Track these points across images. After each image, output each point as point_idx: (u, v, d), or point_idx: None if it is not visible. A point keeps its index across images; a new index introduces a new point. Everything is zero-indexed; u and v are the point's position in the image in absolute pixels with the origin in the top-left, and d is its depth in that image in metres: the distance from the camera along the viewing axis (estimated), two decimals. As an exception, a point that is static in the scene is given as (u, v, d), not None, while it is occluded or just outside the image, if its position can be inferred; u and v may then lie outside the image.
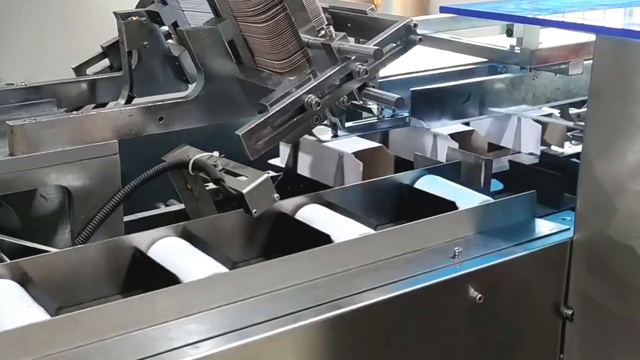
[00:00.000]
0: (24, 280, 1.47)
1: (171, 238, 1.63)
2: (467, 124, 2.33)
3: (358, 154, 2.09)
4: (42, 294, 1.44)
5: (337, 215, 1.77)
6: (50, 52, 3.89)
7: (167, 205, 2.20)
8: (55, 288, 1.51)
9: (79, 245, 1.66)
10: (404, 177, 1.95)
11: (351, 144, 2.13)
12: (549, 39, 2.23)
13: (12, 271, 1.48)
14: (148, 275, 1.56)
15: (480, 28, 2.69)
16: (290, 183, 2.21)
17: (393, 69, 2.17)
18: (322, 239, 1.66)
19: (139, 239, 1.61)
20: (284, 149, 2.23)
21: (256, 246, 1.75)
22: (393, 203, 1.93)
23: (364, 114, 2.25)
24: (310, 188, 2.04)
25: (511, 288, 1.71)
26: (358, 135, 2.15)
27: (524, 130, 2.35)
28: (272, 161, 2.27)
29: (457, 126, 2.28)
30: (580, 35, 2.16)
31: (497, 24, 2.61)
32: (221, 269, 1.52)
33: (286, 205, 1.77)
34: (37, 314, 1.37)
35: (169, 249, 1.60)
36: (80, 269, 1.55)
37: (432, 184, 1.93)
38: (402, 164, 2.20)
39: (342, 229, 1.70)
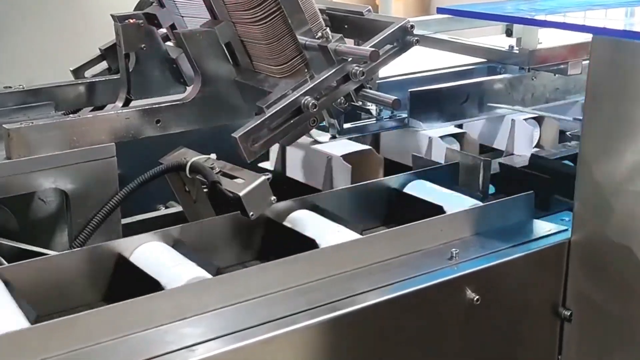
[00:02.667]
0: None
1: (154, 243, 1.61)
2: (460, 126, 2.32)
3: (347, 157, 2.07)
4: (22, 302, 1.41)
5: (325, 220, 1.75)
6: (48, 54, 3.89)
7: (166, 208, 2.20)
8: (34, 295, 1.48)
9: (58, 253, 1.63)
10: (392, 181, 1.93)
11: (341, 146, 2.11)
12: (548, 39, 2.23)
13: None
14: (132, 282, 1.53)
15: (482, 28, 2.68)
16: (279, 186, 2.18)
17: (392, 70, 2.17)
18: (310, 244, 1.65)
19: (123, 245, 1.59)
20: (274, 152, 2.22)
21: (244, 251, 1.74)
22: (382, 207, 1.92)
23: (363, 115, 2.26)
24: (300, 191, 2.02)
25: (509, 289, 1.70)
26: (349, 138, 2.14)
27: (517, 132, 2.33)
28: (262, 164, 2.26)
29: (450, 128, 2.26)
30: (579, 35, 2.16)
31: (496, 24, 2.61)
32: (204, 274, 1.50)
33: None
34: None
35: (151, 255, 1.57)
36: (61, 276, 1.53)
37: (421, 189, 1.91)
38: (394, 167, 2.18)
39: (331, 233, 1.69)
